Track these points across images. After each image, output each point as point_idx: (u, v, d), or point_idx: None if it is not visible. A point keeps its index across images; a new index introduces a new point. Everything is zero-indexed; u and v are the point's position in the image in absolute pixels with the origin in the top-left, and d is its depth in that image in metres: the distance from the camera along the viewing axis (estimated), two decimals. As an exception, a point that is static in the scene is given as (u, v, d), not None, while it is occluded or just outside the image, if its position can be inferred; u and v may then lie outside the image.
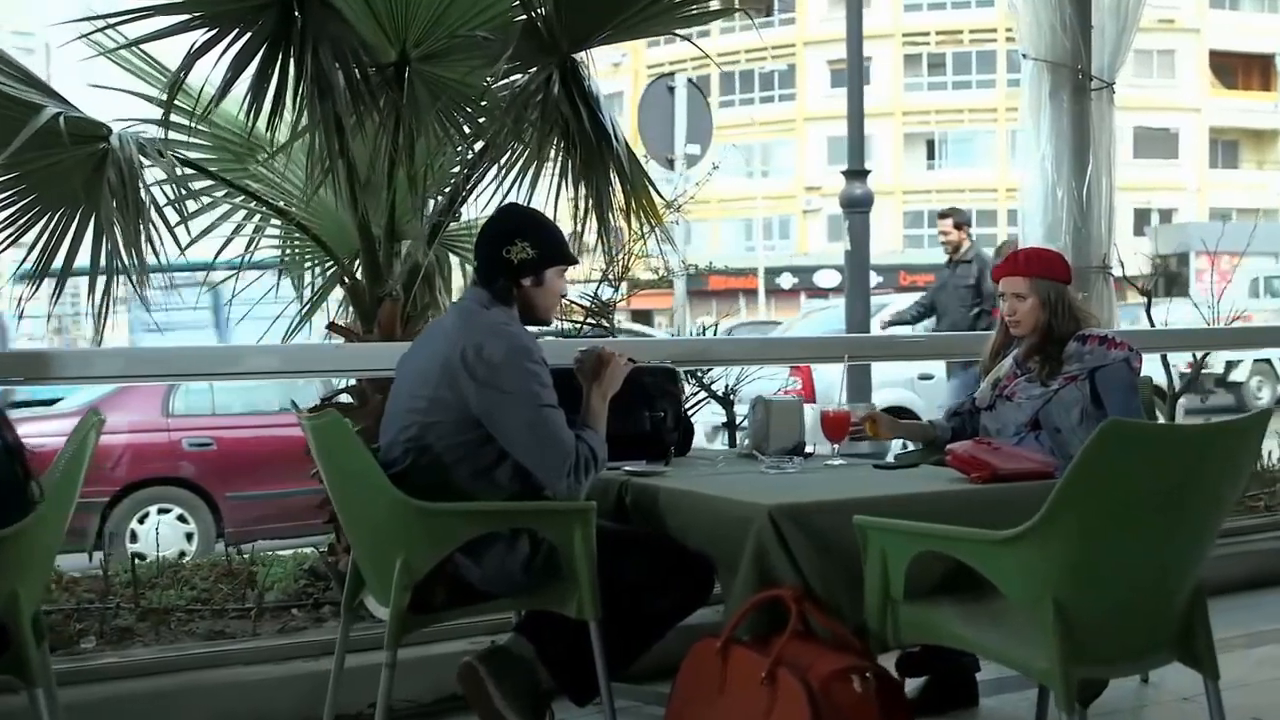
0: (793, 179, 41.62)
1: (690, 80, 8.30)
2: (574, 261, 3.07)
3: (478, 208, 4.54)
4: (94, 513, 7.21)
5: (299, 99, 3.72)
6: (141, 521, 7.35)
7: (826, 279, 34.14)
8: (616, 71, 47.97)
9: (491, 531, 2.77)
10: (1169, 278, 26.66)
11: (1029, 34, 4.80)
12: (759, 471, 3.12)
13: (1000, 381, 3.60)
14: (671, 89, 7.98)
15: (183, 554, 7.10)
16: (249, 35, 3.68)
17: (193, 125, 4.09)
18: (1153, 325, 6.15)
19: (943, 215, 7.83)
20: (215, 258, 4.47)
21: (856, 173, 8.16)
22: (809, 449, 3.46)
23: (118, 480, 7.33)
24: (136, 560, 4.11)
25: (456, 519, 2.71)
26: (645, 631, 2.91)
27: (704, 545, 2.76)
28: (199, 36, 3.72)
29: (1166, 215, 37.22)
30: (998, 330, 3.68)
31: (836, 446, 3.36)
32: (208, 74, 3.94)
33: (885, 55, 40.97)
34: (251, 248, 4.54)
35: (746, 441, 3.62)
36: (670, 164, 7.93)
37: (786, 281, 37.44)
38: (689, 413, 4.77)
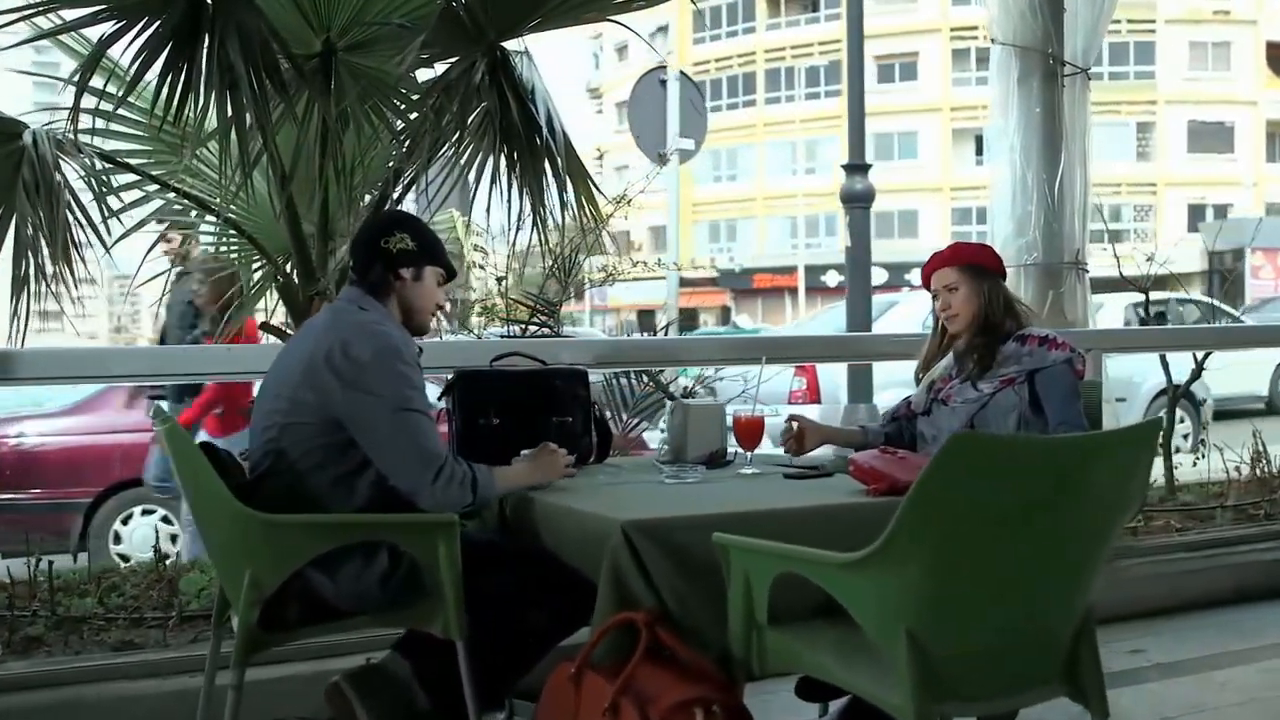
0: (839, 175, 41.18)
1: (683, 74, 8.09)
2: (454, 274, 2.91)
3: (417, 206, 4.41)
4: (77, 514, 7.16)
5: (210, 92, 3.58)
6: (125, 523, 7.27)
7: (872, 276, 33.83)
8: (662, 69, 47.92)
9: (347, 545, 2.60)
10: (1224, 274, 26.12)
11: (998, 18, 4.56)
12: (658, 481, 2.93)
13: (935, 385, 3.40)
14: (664, 83, 7.78)
15: (166, 555, 7.02)
16: (157, 26, 3.55)
17: (108, 116, 3.94)
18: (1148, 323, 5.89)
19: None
20: (145, 256, 4.37)
21: (856, 167, 7.92)
22: (730, 455, 3.27)
23: (102, 481, 7.26)
24: (52, 564, 3.99)
25: (305, 532, 2.55)
26: (522, 651, 2.74)
27: (575, 561, 2.57)
28: (108, 28, 3.61)
29: (1221, 211, 36.37)
30: (933, 332, 3.47)
31: (750, 454, 3.16)
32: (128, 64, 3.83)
33: (933, 50, 40.48)
34: (184, 245, 4.43)
35: (664, 448, 3.42)
36: (662, 159, 7.74)
37: (833, 279, 37.08)
38: (641, 415, 4.61)
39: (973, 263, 3.28)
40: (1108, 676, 3.63)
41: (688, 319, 42.08)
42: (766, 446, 3.25)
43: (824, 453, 3.45)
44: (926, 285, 3.39)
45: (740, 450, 3.17)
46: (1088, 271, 4.62)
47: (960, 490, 1.90)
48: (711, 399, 3.76)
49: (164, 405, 5.57)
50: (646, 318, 46.27)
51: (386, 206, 4.28)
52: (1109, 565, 4.40)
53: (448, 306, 2.97)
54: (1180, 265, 8.19)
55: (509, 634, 2.70)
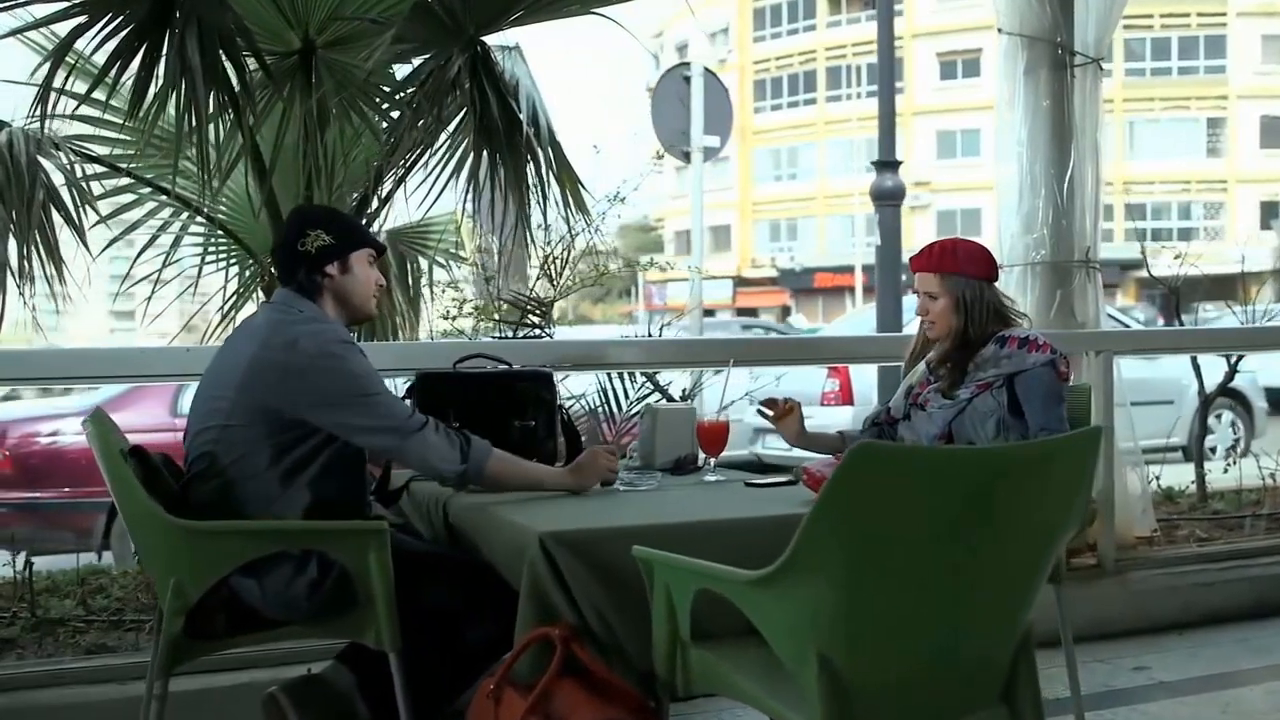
0: (901, 173, 40.60)
1: (707, 69, 7.95)
2: (380, 248, 2.82)
3: (409, 205, 4.35)
4: (101, 513, 7.19)
5: (168, 89, 3.53)
6: (148, 522, 7.29)
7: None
8: (723, 69, 47.63)
9: (278, 552, 2.53)
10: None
11: (1004, 6, 4.39)
12: (611, 489, 2.81)
13: (914, 389, 3.25)
14: (687, 79, 7.64)
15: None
16: (119, 22, 3.51)
17: (75, 117, 3.93)
18: (1181, 325, 5.68)
19: None
20: (135, 259, 4.35)
21: (886, 164, 7.75)
22: (701, 461, 3.15)
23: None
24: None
25: (229, 539, 2.48)
26: (464, 664, 2.64)
27: (506, 573, 2.47)
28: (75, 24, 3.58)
29: (1296, 208, 35.40)
30: (917, 332, 3.33)
31: (713, 460, 3.04)
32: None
33: (994, 48, 39.81)
34: (174, 247, 4.40)
35: (634, 454, 3.31)
36: (686, 157, 7.59)
37: (893, 279, 36.58)
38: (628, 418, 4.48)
39: (956, 272, 3.11)
40: (1107, 695, 3.53)
41: (748, 319, 41.91)
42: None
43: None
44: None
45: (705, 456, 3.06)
46: (1099, 270, 4.43)
47: (865, 504, 1.77)
48: (685, 403, 3.63)
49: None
50: (707, 317, 46.12)
51: (373, 205, 4.23)
52: (1120, 578, 4.26)
53: (384, 284, 2.87)
54: (1253, 264, 7.92)
55: (449, 647, 2.61)
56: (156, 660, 2.48)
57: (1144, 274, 6.42)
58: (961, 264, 3.15)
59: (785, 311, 40.72)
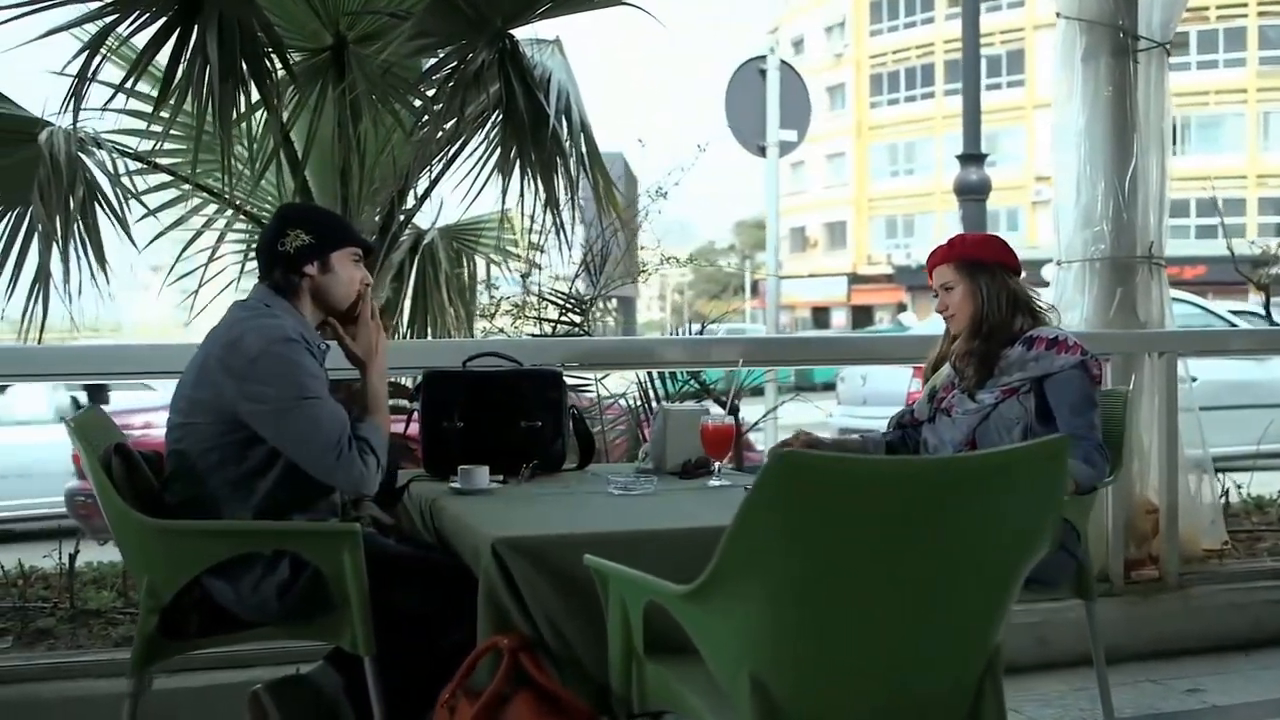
0: (1022, 168, 39.61)
1: (783, 61, 7.77)
2: (365, 245, 2.76)
3: (453, 202, 4.32)
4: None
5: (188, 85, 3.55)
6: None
7: (1054, 273, 32.25)
8: (839, 63, 46.98)
9: (251, 552, 2.49)
10: None
11: (1063, -11, 4.17)
12: (605, 493, 2.72)
13: (937, 392, 3.10)
14: (763, 72, 7.47)
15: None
16: (149, 17, 3.54)
17: (113, 110, 3.99)
18: (1273, 324, 5.36)
19: None
20: (178, 256, 4.40)
21: (973, 157, 7.50)
22: (715, 464, 3.04)
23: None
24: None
25: (200, 538, 2.45)
26: (444, 669, 2.58)
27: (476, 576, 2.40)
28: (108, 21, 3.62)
29: None
30: (943, 337, 3.17)
31: (719, 464, 2.92)
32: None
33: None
34: (218, 244, 4.44)
35: (646, 455, 3.22)
36: (762, 151, 7.44)
37: (1012, 276, 35.65)
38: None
39: (969, 257, 2.98)
40: (1150, 718, 3.31)
41: (862, 316, 41.33)
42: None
43: None
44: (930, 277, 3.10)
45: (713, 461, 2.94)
46: (1163, 266, 4.17)
47: (792, 517, 1.65)
48: (696, 404, 3.51)
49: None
50: (821, 315, 45.52)
51: (409, 202, 4.21)
52: (1182, 593, 4.01)
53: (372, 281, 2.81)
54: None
55: (428, 651, 2.55)
56: (131, 658, 2.47)
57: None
58: (974, 250, 3.03)
59: (900, 308, 40.04)
